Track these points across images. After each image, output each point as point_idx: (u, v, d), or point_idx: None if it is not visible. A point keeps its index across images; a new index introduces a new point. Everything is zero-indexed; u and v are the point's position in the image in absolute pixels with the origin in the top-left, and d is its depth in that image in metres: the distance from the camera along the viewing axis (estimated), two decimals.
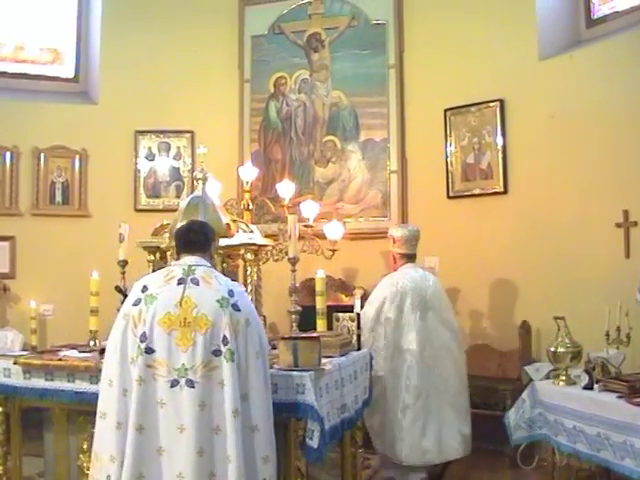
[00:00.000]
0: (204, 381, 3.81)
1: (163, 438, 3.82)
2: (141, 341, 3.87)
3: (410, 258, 6.67)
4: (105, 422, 3.98)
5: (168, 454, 3.81)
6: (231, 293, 3.95)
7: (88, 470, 4.83)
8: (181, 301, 3.89)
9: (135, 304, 3.97)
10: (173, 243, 4.43)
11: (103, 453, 3.97)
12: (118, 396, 3.93)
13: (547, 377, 6.41)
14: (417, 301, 6.40)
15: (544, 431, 5.52)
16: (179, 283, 3.95)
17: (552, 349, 5.48)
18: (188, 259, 4.10)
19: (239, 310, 3.91)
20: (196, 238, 4.22)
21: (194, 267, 4.03)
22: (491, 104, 7.99)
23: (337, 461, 5.53)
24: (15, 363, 5.08)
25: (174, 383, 3.82)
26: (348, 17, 8.86)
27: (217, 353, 3.83)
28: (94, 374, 4.73)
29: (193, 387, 3.80)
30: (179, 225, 4.74)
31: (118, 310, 5.36)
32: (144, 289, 4.00)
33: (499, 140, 7.93)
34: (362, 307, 5.96)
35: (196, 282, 3.95)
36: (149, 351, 3.86)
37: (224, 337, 3.84)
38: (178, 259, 4.18)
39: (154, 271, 5.46)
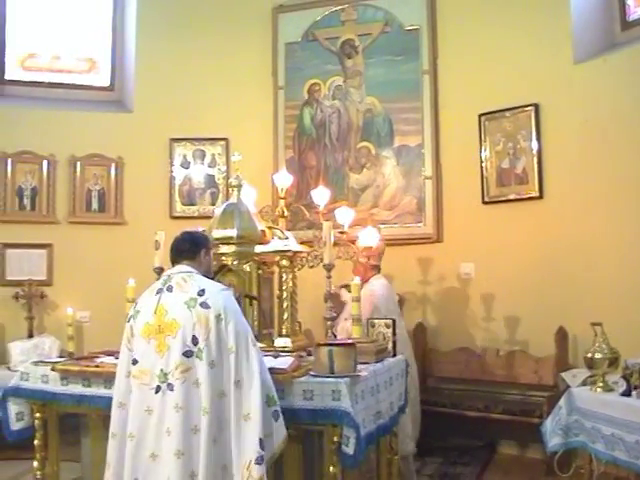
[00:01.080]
0: (181, 383, 3.90)
1: (154, 444, 3.92)
2: (130, 352, 4.11)
3: (379, 270, 6.79)
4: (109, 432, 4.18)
5: (159, 459, 3.89)
6: (201, 292, 4.02)
7: None
8: (156, 309, 4.03)
9: (128, 321, 4.20)
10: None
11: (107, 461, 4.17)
12: (114, 407, 4.15)
13: (584, 384, 6.32)
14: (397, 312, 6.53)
15: (581, 438, 5.45)
16: (157, 293, 4.11)
17: (589, 355, 5.41)
18: (175, 268, 4.24)
19: (208, 307, 3.97)
20: (182, 247, 4.35)
21: (173, 275, 4.16)
22: (526, 109, 7.92)
23: (373, 467, 5.52)
24: (53, 369, 5.12)
25: (157, 389, 3.94)
26: (381, 23, 8.84)
27: (188, 354, 3.92)
28: None
29: (172, 390, 3.90)
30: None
31: None
32: (135, 305, 4.23)
33: (534, 145, 7.87)
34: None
35: (170, 289, 4.08)
36: (134, 362, 4.06)
37: (193, 337, 3.93)
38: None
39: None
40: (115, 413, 4.13)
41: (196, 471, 3.82)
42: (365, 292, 6.42)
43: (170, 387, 3.90)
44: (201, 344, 3.91)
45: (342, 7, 9.03)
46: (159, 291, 4.11)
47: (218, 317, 3.96)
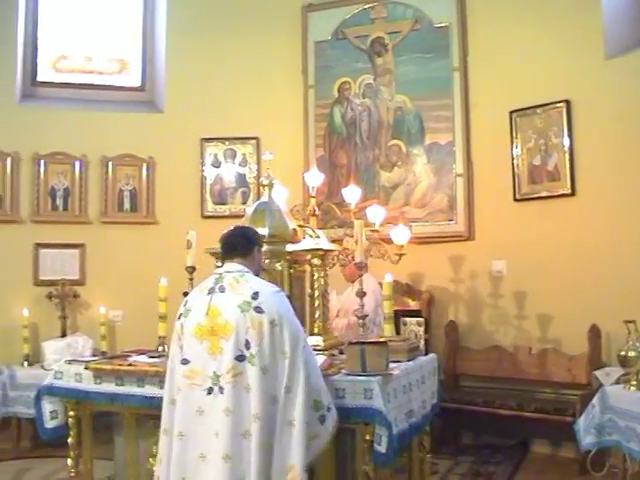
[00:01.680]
0: (232, 387, 3.86)
1: (203, 445, 3.90)
2: (180, 352, 4.06)
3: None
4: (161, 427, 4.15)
5: (208, 460, 3.87)
6: (255, 295, 3.96)
7: None
8: (208, 310, 3.98)
9: (179, 318, 4.14)
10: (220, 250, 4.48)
11: (158, 455, 4.17)
12: (166, 404, 4.12)
13: (617, 382, 6.28)
14: None
15: (615, 437, 5.41)
16: (208, 293, 4.05)
17: (622, 353, 5.38)
18: (226, 266, 4.19)
19: (262, 312, 3.91)
20: (236, 243, 4.29)
21: (224, 274, 4.10)
22: (557, 105, 7.86)
23: (405, 466, 5.51)
24: (86, 368, 5.16)
25: (210, 391, 3.91)
26: (411, 21, 8.81)
27: (240, 358, 3.87)
28: (163, 379, 4.78)
29: (222, 393, 3.87)
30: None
31: None
32: (185, 303, 4.17)
33: (566, 141, 7.80)
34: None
35: (222, 290, 4.02)
36: (185, 362, 4.01)
37: (246, 342, 3.88)
38: (222, 266, 4.26)
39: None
40: (166, 410, 4.11)
41: (245, 476, 3.80)
42: (367, 289, 6.50)
43: (221, 390, 3.87)
44: (254, 349, 3.86)
45: (372, 5, 9.01)
46: (210, 291, 4.05)
47: (272, 322, 3.91)
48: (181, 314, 4.13)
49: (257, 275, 4.25)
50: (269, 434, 3.83)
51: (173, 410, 4.05)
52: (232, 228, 4.55)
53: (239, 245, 4.26)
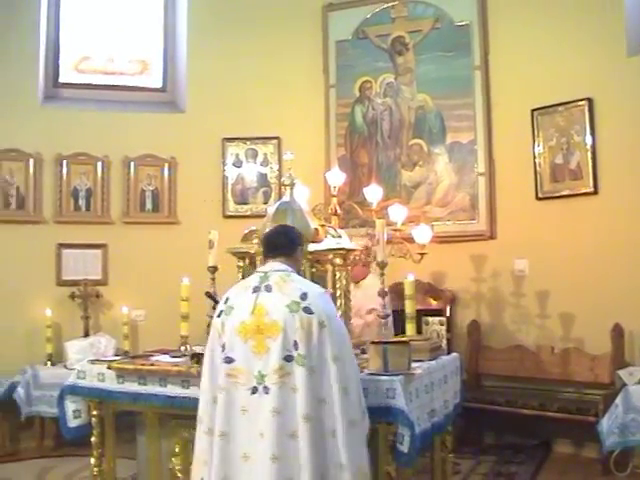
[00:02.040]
0: (278, 387, 3.80)
1: (247, 445, 3.84)
2: (222, 351, 3.96)
3: None
4: (199, 427, 4.06)
5: (252, 460, 3.82)
6: (304, 296, 3.91)
7: (180, 473, 4.95)
8: (254, 309, 3.92)
9: (219, 316, 4.07)
10: (262, 249, 4.42)
11: (199, 457, 4.06)
12: (207, 403, 4.04)
13: None
14: None
15: (638, 437, 5.39)
16: (254, 291, 3.98)
17: None
18: (269, 265, 4.13)
19: (312, 313, 3.86)
20: (280, 242, 4.24)
21: (270, 273, 4.04)
22: (579, 103, 7.82)
23: (427, 466, 5.50)
24: (109, 368, 5.17)
25: (254, 390, 3.84)
26: (432, 19, 8.80)
27: (289, 359, 3.82)
28: (186, 379, 4.80)
29: (268, 393, 3.81)
30: (267, 230, 4.77)
31: (208, 316, 5.49)
32: (226, 300, 4.09)
33: (588, 139, 7.75)
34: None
35: (269, 289, 3.96)
36: (228, 360, 3.93)
37: (295, 342, 3.82)
38: (264, 264, 4.20)
39: (243, 277, 5.54)
40: (209, 409, 4.00)
41: (293, 477, 3.75)
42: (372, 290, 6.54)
43: (266, 390, 3.82)
44: (302, 350, 3.81)
45: (392, 4, 9.00)
46: (256, 289, 3.98)
47: (321, 324, 3.86)
48: (222, 311, 4.05)
49: (298, 274, 4.21)
50: (318, 435, 3.78)
51: (215, 409, 3.97)
52: (276, 227, 4.56)
53: (283, 244, 4.22)
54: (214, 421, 3.95)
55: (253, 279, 4.08)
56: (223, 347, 3.97)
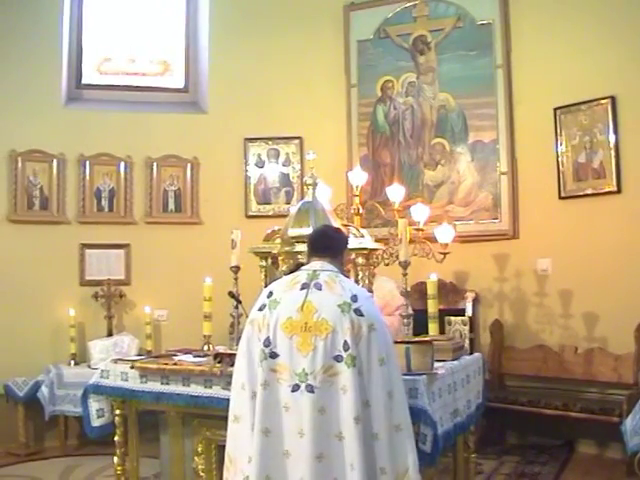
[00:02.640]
0: (324, 386, 3.77)
1: (288, 441, 3.82)
2: (265, 345, 3.89)
3: None
4: (239, 425, 4.01)
5: (293, 457, 3.80)
6: (354, 298, 3.88)
7: (203, 473, 4.98)
8: (302, 306, 3.88)
9: (260, 309, 4.00)
10: (307, 247, 4.36)
11: (241, 456, 3.99)
12: (249, 399, 3.95)
13: None
14: None
15: None
16: (302, 288, 3.94)
17: None
18: (315, 263, 4.09)
19: (362, 315, 3.84)
20: (328, 243, 4.22)
21: (319, 272, 4.01)
22: (602, 101, 7.77)
23: (449, 466, 5.49)
24: (132, 367, 5.18)
25: (295, 388, 3.80)
26: (453, 18, 8.77)
27: (338, 359, 3.78)
28: (209, 378, 4.81)
29: (312, 392, 3.76)
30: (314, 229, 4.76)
31: (231, 315, 5.52)
32: (270, 295, 4.03)
33: (611, 138, 7.70)
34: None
35: (319, 287, 3.93)
36: (273, 355, 3.87)
37: (345, 342, 3.78)
38: (309, 262, 4.17)
39: (266, 277, 5.55)
40: (251, 405, 3.93)
41: (338, 478, 3.74)
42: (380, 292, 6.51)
43: (309, 388, 3.77)
44: (352, 351, 3.77)
45: (414, 3, 8.98)
46: (305, 286, 3.95)
47: (371, 327, 3.84)
48: (264, 305, 3.99)
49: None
50: (365, 437, 3.75)
51: (255, 405, 3.91)
52: (324, 227, 4.57)
53: (331, 245, 4.21)
54: (254, 417, 3.90)
55: (301, 276, 4.03)
56: (267, 341, 3.89)
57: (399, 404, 3.85)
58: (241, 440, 3.98)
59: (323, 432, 3.75)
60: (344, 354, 3.78)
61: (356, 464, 3.69)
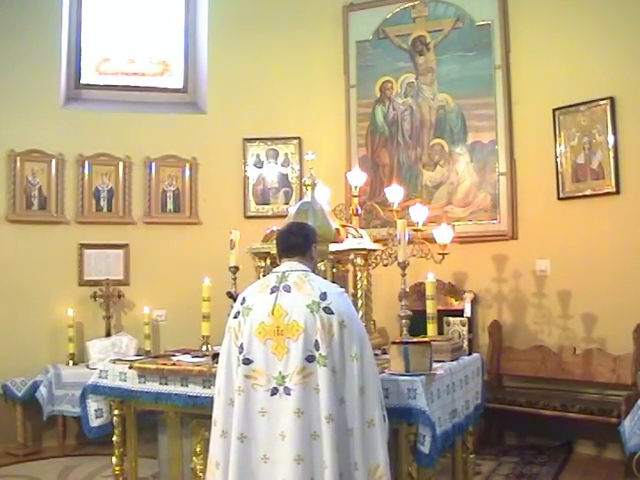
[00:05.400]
0: (300, 388, 3.78)
1: (266, 446, 3.82)
2: (239, 352, 3.92)
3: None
4: (214, 429, 4.05)
5: (272, 462, 3.80)
6: (323, 296, 3.88)
7: (201, 473, 4.95)
8: (273, 310, 3.89)
9: (235, 317, 4.02)
10: (276, 248, 4.34)
11: (212, 459, 4.04)
12: (224, 405, 3.99)
13: None
14: None
15: None
16: (272, 292, 3.95)
17: None
18: (285, 265, 4.09)
19: (332, 313, 3.84)
20: (295, 241, 4.18)
21: (287, 273, 4.01)
22: (601, 102, 7.77)
23: (448, 466, 5.49)
24: (130, 367, 5.19)
25: (274, 391, 3.82)
26: (452, 19, 8.77)
27: (310, 359, 3.79)
28: (207, 379, 4.80)
29: (289, 394, 3.78)
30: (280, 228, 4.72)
31: (229, 316, 5.51)
32: (243, 301, 4.04)
33: (610, 139, 7.70)
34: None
35: (288, 289, 3.93)
36: (247, 362, 3.88)
37: (316, 342, 3.80)
38: (279, 264, 4.16)
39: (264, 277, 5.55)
40: (224, 411, 3.97)
41: (315, 477, 3.74)
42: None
43: (287, 391, 3.79)
44: (323, 350, 3.79)
45: (413, 4, 8.98)
46: (274, 290, 3.95)
47: (341, 323, 3.84)
48: (238, 312, 4.01)
49: (314, 273, 4.17)
50: (339, 435, 3.77)
51: (231, 411, 3.93)
52: (289, 225, 4.53)
53: (298, 244, 4.17)
54: (230, 424, 3.92)
55: (270, 279, 4.04)
56: (241, 348, 3.92)
57: (371, 400, 3.85)
58: (214, 444, 4.04)
59: (303, 433, 3.76)
60: (316, 354, 3.80)
61: (329, 462, 3.71)
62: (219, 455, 3.97)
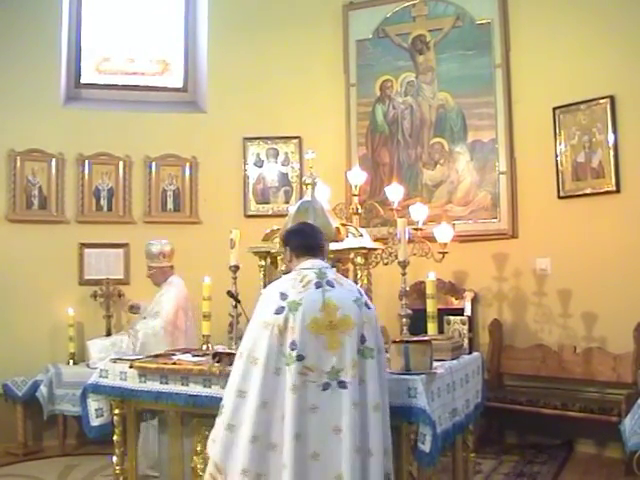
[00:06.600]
0: (354, 381, 3.83)
1: (317, 443, 3.79)
2: (291, 349, 3.84)
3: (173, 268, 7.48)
4: (235, 434, 3.91)
5: (323, 458, 3.78)
6: (360, 292, 4.08)
7: (202, 472, 4.92)
8: (324, 305, 3.91)
9: (277, 312, 3.90)
10: (286, 246, 4.34)
11: (235, 466, 3.88)
12: (257, 408, 3.84)
13: None
14: None
15: None
16: (317, 287, 3.96)
17: None
18: (312, 262, 4.10)
19: (369, 308, 4.03)
20: (315, 242, 4.23)
21: (324, 270, 4.06)
22: (601, 101, 7.77)
23: (448, 465, 5.49)
24: (131, 367, 5.18)
25: (325, 386, 3.82)
26: (452, 18, 8.77)
27: (360, 352, 3.89)
28: (208, 378, 4.80)
29: (345, 388, 3.81)
30: (288, 228, 4.74)
31: (230, 315, 5.50)
32: (283, 296, 3.95)
33: (610, 138, 7.70)
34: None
35: (331, 284, 3.98)
36: (300, 358, 3.82)
37: (362, 336, 3.91)
38: (294, 262, 4.18)
39: (265, 276, 5.55)
40: (258, 413, 3.83)
41: (363, 466, 3.82)
42: (173, 290, 7.14)
43: (342, 385, 3.81)
44: (369, 343, 3.92)
45: (413, 3, 8.98)
46: (318, 285, 3.97)
47: (375, 318, 4.05)
48: (282, 307, 3.89)
49: None
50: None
51: (263, 414, 3.82)
52: (307, 225, 4.58)
53: (320, 244, 4.25)
54: (265, 428, 3.82)
55: (308, 275, 4.02)
56: (293, 344, 3.83)
57: (384, 386, 4.01)
58: (236, 450, 3.88)
59: (361, 425, 3.82)
60: (361, 347, 3.90)
61: (375, 450, 3.82)
62: (247, 463, 3.82)
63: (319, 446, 3.79)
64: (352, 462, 3.74)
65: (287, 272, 4.39)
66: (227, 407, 3.97)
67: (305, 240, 4.24)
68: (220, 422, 3.99)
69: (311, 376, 3.82)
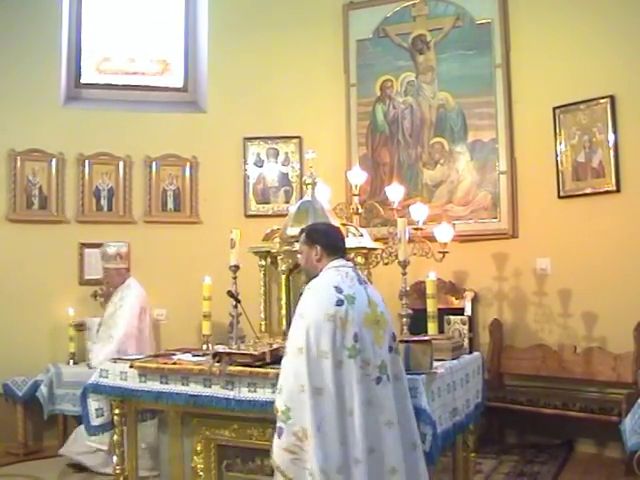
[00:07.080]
0: (393, 376, 3.97)
1: (373, 438, 3.83)
2: (355, 341, 3.88)
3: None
4: (324, 436, 3.78)
5: (379, 453, 3.83)
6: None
7: (202, 472, 4.96)
8: (369, 301, 4.03)
9: (339, 304, 3.91)
10: (315, 244, 4.27)
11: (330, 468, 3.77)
12: (312, 395, 3.79)
13: None
14: None
15: None
16: (359, 283, 4.08)
17: None
18: (346, 262, 4.24)
19: (386, 308, 4.14)
20: (343, 243, 4.41)
21: (355, 269, 4.21)
22: (601, 101, 7.77)
23: (449, 465, 5.49)
24: (131, 366, 5.18)
25: (378, 380, 3.90)
26: (453, 17, 8.77)
27: (393, 349, 4.05)
28: (208, 378, 4.80)
29: (390, 381, 3.93)
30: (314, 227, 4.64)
31: (230, 315, 5.51)
32: (338, 290, 3.97)
33: (610, 137, 7.71)
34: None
35: (366, 283, 4.13)
36: (361, 350, 3.89)
37: (393, 334, 4.07)
38: (324, 261, 4.22)
39: (265, 276, 5.55)
40: (313, 401, 3.77)
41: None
42: (133, 293, 7.28)
43: (388, 378, 3.92)
44: (396, 341, 4.11)
45: (413, 2, 8.97)
46: (360, 282, 4.10)
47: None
48: (342, 300, 3.91)
49: None
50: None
51: (319, 400, 3.76)
52: (332, 226, 4.67)
53: (345, 245, 4.43)
54: (319, 415, 3.77)
55: (347, 272, 4.11)
56: (356, 337, 3.87)
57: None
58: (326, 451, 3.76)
59: (408, 417, 3.97)
60: (394, 344, 4.05)
61: (418, 443, 3.98)
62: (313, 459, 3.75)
63: (375, 441, 3.84)
64: (404, 455, 3.85)
65: (308, 270, 4.35)
66: (301, 410, 3.82)
67: (336, 240, 4.34)
68: (297, 429, 3.82)
69: (367, 369, 3.89)
